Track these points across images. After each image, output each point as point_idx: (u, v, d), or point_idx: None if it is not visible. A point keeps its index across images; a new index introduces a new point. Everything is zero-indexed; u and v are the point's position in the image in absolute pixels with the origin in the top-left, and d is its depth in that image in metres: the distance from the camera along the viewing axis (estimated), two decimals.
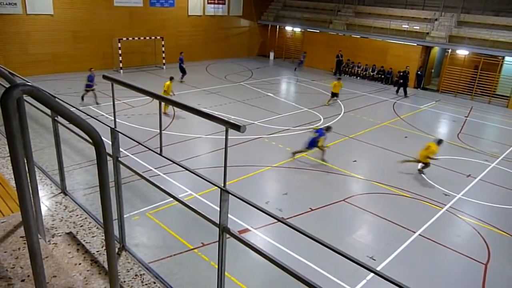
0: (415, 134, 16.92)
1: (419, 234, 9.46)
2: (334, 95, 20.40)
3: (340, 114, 19.12)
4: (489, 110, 22.17)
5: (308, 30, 31.78)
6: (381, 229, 9.76)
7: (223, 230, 2.74)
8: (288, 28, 33.63)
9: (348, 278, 7.56)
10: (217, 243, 2.83)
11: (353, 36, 29.16)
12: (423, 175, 12.67)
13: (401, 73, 24.63)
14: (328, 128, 13.48)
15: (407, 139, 16.27)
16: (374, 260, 8.30)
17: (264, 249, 2.59)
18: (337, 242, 8.78)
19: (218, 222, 2.77)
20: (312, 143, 13.04)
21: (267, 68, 30.52)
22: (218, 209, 2.72)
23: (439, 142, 12.88)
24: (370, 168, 13.39)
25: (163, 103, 3.47)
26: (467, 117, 20.43)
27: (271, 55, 34.41)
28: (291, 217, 9.67)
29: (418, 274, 8.08)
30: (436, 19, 26.41)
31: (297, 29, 33.11)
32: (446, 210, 10.74)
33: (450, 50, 25.53)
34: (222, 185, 2.68)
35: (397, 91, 24.59)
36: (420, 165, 12.85)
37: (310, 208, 10.21)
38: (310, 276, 2.29)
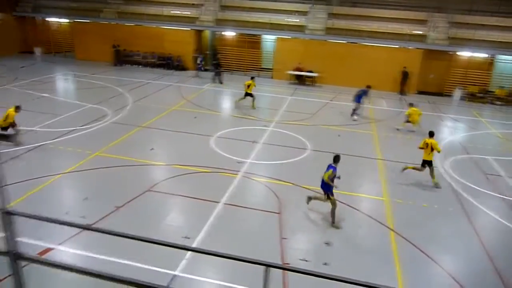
0: (203, 114, 18.04)
1: (224, 203, 10.31)
2: (248, 95, 19.11)
3: (128, 105, 18.63)
4: (260, 82, 25.44)
5: (77, 20, 29.30)
6: (190, 208, 10.21)
7: (15, 257, 2.38)
8: (52, 19, 30.22)
9: (168, 263, 7.68)
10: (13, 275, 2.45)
11: (126, 24, 28.42)
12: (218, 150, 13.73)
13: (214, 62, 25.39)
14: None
15: (196, 119, 17.20)
16: (189, 238, 8.65)
17: (74, 264, 2.38)
18: (151, 231, 8.75)
19: (6, 250, 2.38)
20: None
21: (35, 66, 26.88)
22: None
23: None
24: (168, 153, 13.68)
25: None
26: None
27: (37, 51, 30.42)
28: (97, 221, 9.07)
29: (229, 238, 8.87)
30: (202, 4, 28.25)
31: (64, 20, 30.10)
32: (242, 176, 11.99)
33: (219, 32, 27.91)
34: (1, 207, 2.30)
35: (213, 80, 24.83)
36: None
37: (116, 207, 9.79)
38: (130, 274, 2.24)
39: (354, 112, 18.77)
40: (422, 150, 12.28)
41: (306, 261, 8.23)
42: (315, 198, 10.23)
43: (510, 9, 24.62)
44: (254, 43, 27.84)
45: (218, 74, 24.88)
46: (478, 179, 12.86)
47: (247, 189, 11.42)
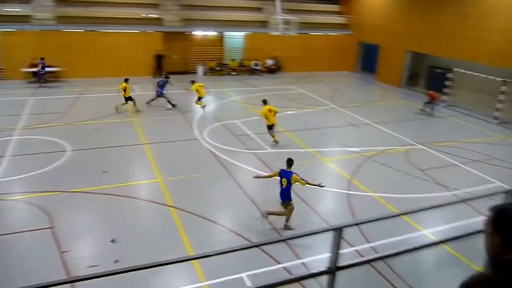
0: None
1: None
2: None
3: None
4: None
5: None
6: None
7: None
8: None
9: None
10: None
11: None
12: None
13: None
14: None
15: None
16: None
17: None
18: None
19: None
20: None
21: None
22: None
23: None
24: None
25: None
26: None
27: None
28: None
29: None
30: None
31: None
32: None
33: None
34: None
35: None
36: None
37: None
38: None
39: (169, 103, 18.71)
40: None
41: (96, 266, 7.80)
42: (273, 213, 9.28)
43: None
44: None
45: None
46: (233, 141, 14.79)
47: (3, 213, 9.71)
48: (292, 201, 9.17)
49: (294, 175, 8.93)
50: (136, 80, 24.03)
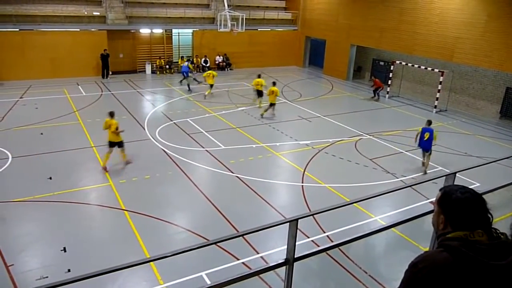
0: None
1: None
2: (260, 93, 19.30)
3: None
4: None
5: None
6: None
7: None
8: None
9: None
10: None
11: None
12: None
13: None
14: None
15: None
16: None
17: None
18: None
19: None
20: None
21: None
22: None
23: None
24: None
25: None
26: None
27: None
28: None
29: None
30: None
31: None
32: None
33: None
34: None
35: None
36: None
37: None
38: None
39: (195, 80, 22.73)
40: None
41: (45, 277, 7.42)
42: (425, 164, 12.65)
43: None
44: None
45: None
46: (185, 140, 14.61)
47: None
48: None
49: (435, 131, 12.47)
50: (80, 80, 23.07)
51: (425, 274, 1.81)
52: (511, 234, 1.84)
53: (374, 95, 22.36)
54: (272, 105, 17.68)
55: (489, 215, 1.92)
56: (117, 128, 11.76)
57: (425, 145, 12.49)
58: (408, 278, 1.89)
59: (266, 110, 17.74)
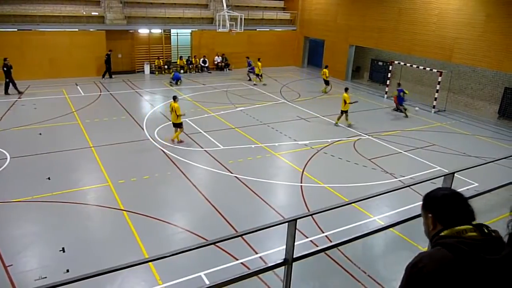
0: None
1: None
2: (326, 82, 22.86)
3: None
4: None
5: None
6: None
7: None
8: None
9: None
10: None
11: None
12: None
13: None
14: None
15: None
16: None
17: None
18: None
19: None
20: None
21: None
22: None
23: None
24: None
25: None
26: None
27: None
28: None
29: None
30: None
31: None
32: None
33: None
34: None
35: None
36: None
37: None
38: None
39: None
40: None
41: (44, 278, 7.41)
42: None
43: None
44: None
45: None
46: (184, 140, 14.58)
47: None
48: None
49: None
50: (78, 81, 23.04)
51: (426, 273, 1.82)
52: (509, 232, 1.86)
53: (400, 110, 19.61)
54: (343, 112, 16.92)
55: (471, 209, 2.01)
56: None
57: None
58: (408, 280, 1.89)
59: (339, 119, 17.14)
